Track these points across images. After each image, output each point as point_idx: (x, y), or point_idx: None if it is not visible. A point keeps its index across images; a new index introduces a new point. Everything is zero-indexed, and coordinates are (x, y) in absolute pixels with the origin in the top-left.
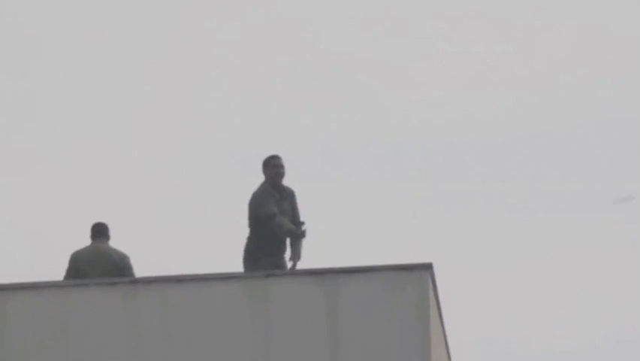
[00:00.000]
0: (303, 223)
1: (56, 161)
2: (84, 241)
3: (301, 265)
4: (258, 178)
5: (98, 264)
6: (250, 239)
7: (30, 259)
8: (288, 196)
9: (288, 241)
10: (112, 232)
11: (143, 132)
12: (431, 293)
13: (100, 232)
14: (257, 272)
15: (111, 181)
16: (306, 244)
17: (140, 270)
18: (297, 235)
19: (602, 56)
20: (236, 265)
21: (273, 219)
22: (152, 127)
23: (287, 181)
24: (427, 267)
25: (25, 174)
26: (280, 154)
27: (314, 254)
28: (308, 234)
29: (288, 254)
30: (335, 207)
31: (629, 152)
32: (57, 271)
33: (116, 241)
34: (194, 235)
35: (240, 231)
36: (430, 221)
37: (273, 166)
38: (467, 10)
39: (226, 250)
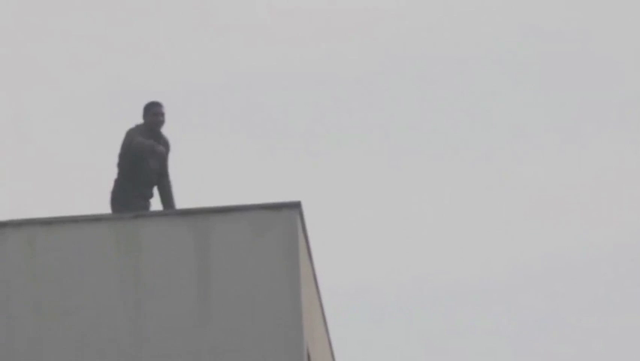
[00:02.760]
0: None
1: None
2: None
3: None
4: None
5: None
6: (118, 181)
7: None
8: (164, 144)
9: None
10: None
11: None
12: (300, 232)
13: None
14: (125, 213)
15: None
16: (177, 184)
17: (8, 212)
18: (152, 149)
19: None
20: (104, 208)
21: (135, 143)
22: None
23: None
24: (296, 206)
25: None
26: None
27: (184, 194)
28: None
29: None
30: (208, 150)
31: None
32: None
33: (21, 175)
34: (62, 178)
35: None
36: (301, 161)
37: (152, 114)
38: None
39: (95, 192)
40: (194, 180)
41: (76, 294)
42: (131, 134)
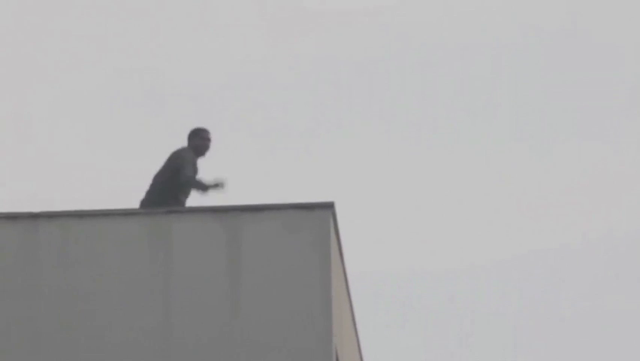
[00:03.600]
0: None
1: None
2: None
3: (204, 203)
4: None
5: None
6: (153, 192)
7: None
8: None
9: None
10: (18, 165)
11: None
12: (332, 232)
13: None
14: (158, 209)
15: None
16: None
17: (41, 204)
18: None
19: None
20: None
21: (191, 182)
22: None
23: None
24: (329, 206)
25: None
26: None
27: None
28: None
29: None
30: (241, 145)
31: None
32: None
33: (21, 175)
34: (97, 173)
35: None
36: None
37: (200, 138)
38: None
39: (128, 189)
40: (230, 176)
41: (107, 287)
42: (181, 160)
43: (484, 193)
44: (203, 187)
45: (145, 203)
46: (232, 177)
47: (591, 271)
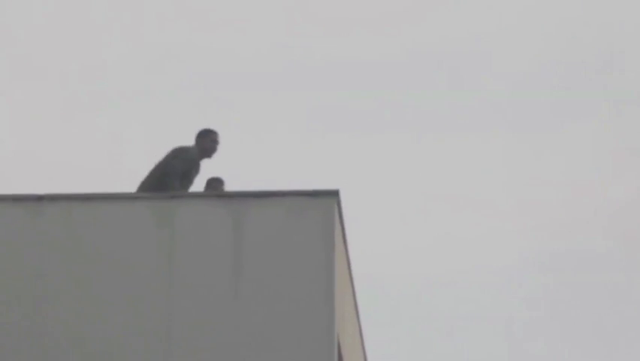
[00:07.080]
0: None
1: None
2: None
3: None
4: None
5: None
6: (150, 181)
7: None
8: (198, 169)
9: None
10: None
11: None
12: (336, 220)
13: None
14: (163, 193)
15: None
16: (217, 166)
17: (46, 186)
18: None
19: None
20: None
21: (170, 176)
22: None
23: None
24: (334, 193)
25: None
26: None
27: (223, 177)
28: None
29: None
30: (246, 133)
31: None
32: None
33: (27, 156)
34: (102, 156)
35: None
36: (340, 147)
37: (210, 140)
38: None
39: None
40: (236, 169)
41: (110, 271)
42: (178, 154)
43: (494, 186)
44: (173, 187)
45: (144, 186)
46: (239, 164)
47: None
